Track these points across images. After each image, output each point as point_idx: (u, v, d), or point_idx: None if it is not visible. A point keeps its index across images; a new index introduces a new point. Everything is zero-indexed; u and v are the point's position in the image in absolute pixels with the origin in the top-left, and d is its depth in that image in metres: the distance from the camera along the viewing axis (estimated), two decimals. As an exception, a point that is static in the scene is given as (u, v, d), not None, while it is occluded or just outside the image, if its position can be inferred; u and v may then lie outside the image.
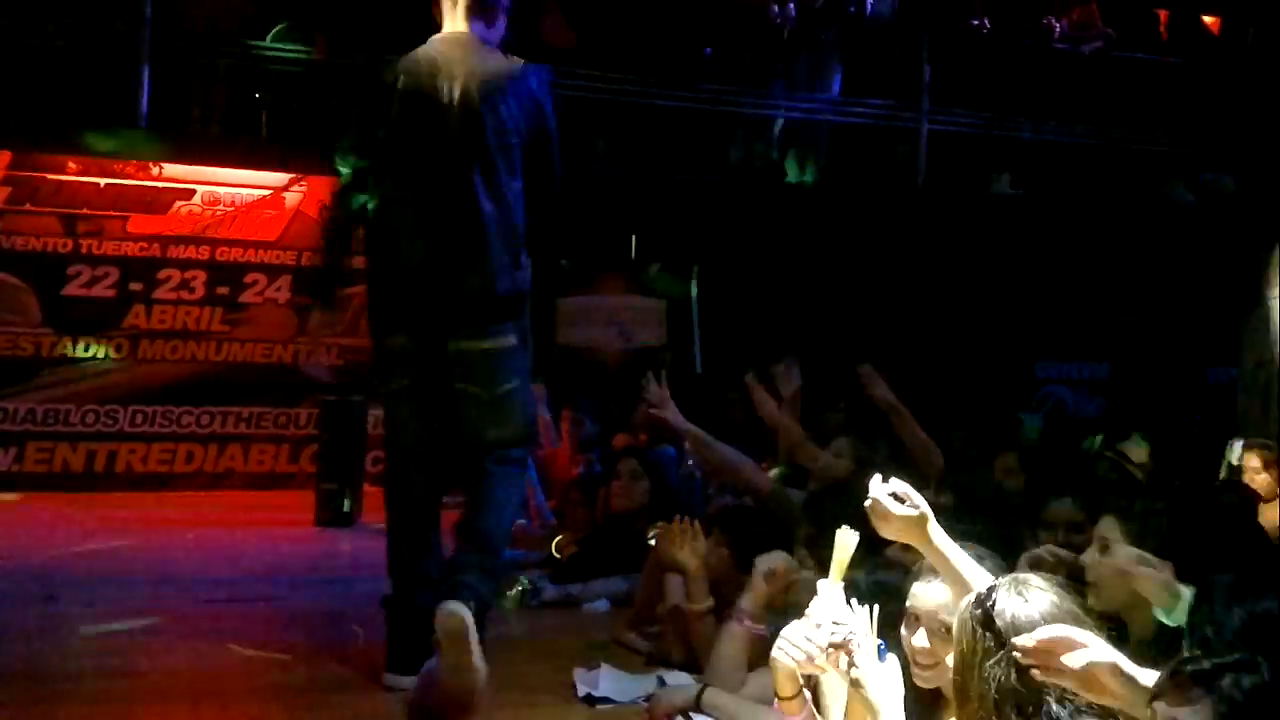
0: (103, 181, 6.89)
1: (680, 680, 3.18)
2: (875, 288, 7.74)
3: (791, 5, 7.56)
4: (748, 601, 3.05)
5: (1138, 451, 4.41)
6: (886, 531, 2.26)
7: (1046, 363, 8.79)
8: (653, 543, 3.77)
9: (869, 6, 7.93)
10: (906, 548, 2.33)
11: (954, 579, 2.15)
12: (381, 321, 3.38)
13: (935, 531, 2.20)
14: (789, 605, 2.83)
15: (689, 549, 3.41)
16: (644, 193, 7.46)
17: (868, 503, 2.26)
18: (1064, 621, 1.77)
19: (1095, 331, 8.47)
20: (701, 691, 2.90)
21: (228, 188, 7.10)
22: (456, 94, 3.25)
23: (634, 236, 8.00)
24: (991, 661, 1.81)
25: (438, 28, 3.42)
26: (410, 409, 3.33)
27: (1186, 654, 1.79)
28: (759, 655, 2.83)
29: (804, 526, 3.39)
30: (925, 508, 2.22)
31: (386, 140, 3.34)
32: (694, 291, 7.96)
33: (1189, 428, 7.06)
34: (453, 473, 3.43)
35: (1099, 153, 8.02)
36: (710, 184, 7.46)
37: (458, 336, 3.24)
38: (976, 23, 7.99)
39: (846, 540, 2.17)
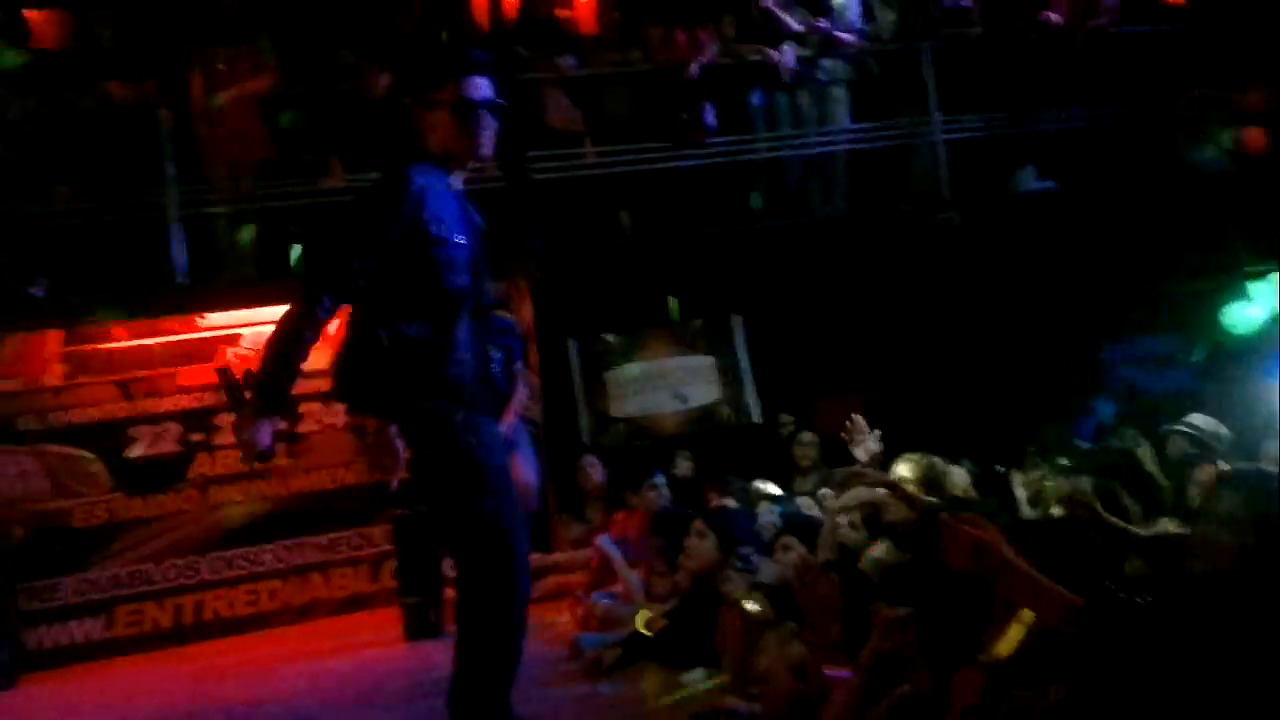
0: (151, 341, 7.06)
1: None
2: (917, 307, 7.65)
3: (788, 49, 7.62)
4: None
5: (1206, 421, 4.30)
6: (958, 559, 2.24)
7: (1112, 345, 8.58)
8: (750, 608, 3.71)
9: (864, 29, 7.96)
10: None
11: (1035, 596, 2.11)
12: None
13: (1008, 554, 2.18)
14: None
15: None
16: (675, 253, 7.49)
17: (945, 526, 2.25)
18: None
19: (1155, 306, 8.27)
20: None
21: (271, 325, 7.20)
22: None
23: (670, 298, 8.00)
24: None
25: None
26: None
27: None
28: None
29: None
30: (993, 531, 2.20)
31: None
32: (739, 341, 7.91)
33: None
34: None
35: (1120, 130, 7.91)
36: (738, 233, 7.46)
37: None
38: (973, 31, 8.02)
39: (1025, 618, 2.20)
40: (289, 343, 3.12)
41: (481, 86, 3.36)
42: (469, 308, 3.38)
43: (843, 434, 4.67)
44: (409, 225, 3.21)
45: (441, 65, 3.46)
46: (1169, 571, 2.74)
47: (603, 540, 5.99)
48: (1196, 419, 4.70)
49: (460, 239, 3.33)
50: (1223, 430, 4.56)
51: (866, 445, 4.53)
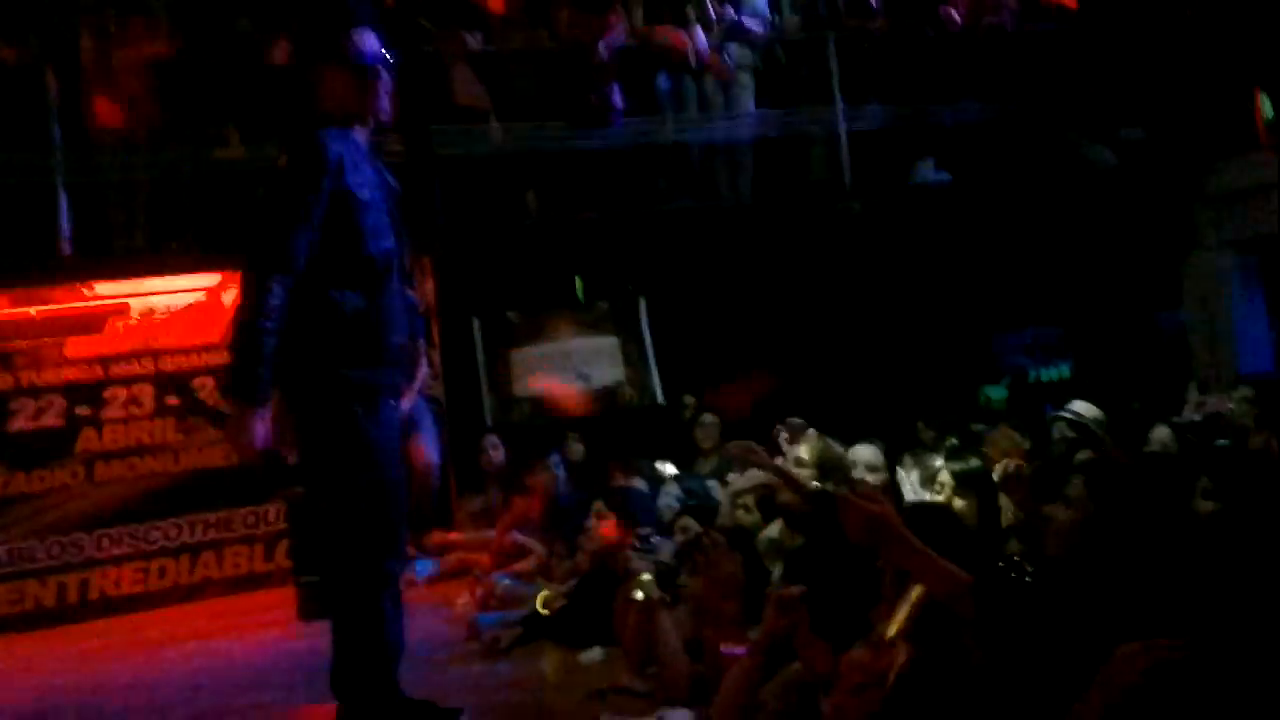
0: (34, 310, 6.80)
1: (681, 716, 3.16)
2: (818, 293, 7.80)
3: (699, 31, 7.67)
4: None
5: (1088, 408, 4.50)
6: (856, 533, 2.29)
7: (1002, 335, 8.88)
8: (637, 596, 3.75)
9: (773, 24, 8.06)
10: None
11: (927, 572, 2.18)
12: None
13: (903, 530, 2.24)
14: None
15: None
16: (580, 234, 7.50)
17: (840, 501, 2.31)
18: None
19: (1044, 297, 8.56)
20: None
21: (161, 296, 7.03)
22: None
23: (577, 278, 8.00)
24: None
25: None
26: None
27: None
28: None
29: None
30: (889, 506, 2.26)
31: None
32: (643, 322, 7.96)
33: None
34: None
35: (1015, 125, 8.15)
36: (643, 216, 7.50)
37: None
38: (876, 25, 8.18)
39: (913, 596, 2.23)
40: (250, 336, 3.01)
41: (370, 40, 3.32)
42: (395, 272, 3.33)
43: (783, 437, 4.72)
44: (335, 191, 3.15)
45: (329, 21, 3.40)
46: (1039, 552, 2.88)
47: (516, 535, 6.05)
48: (1079, 405, 4.90)
49: (380, 202, 3.30)
50: (1104, 416, 4.75)
51: (795, 450, 4.59)
